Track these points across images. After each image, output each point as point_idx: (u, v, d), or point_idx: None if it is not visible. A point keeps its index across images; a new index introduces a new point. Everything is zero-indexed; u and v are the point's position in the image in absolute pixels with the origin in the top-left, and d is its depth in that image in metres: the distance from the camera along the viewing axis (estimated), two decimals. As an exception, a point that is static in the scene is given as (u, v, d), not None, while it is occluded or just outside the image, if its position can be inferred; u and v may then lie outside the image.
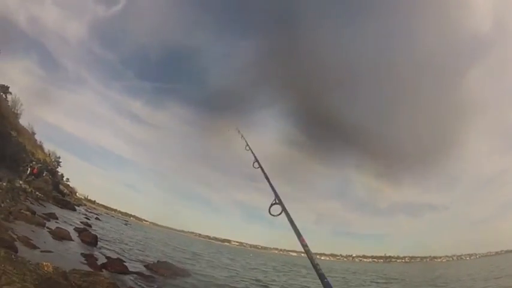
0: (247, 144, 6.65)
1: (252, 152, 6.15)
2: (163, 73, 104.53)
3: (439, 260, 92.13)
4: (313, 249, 3.37)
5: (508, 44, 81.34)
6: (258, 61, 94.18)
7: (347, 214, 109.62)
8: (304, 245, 3.48)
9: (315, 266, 2.89)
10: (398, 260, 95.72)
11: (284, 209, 3.94)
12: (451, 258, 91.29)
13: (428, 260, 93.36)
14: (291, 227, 3.72)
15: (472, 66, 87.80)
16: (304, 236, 3.51)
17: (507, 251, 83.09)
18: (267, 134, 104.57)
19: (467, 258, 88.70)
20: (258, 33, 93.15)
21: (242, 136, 7.33)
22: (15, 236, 11.77)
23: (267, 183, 4.69)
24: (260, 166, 5.67)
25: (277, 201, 4.07)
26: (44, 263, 9.80)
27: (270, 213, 4.00)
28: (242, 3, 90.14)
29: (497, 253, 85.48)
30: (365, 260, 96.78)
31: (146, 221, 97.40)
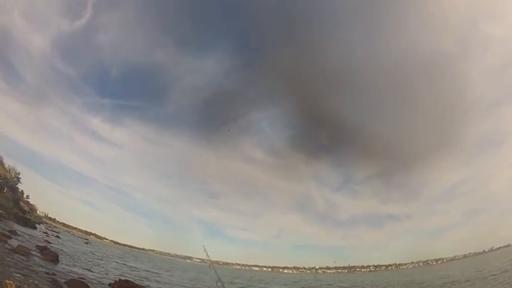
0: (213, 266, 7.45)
1: (216, 273, 6.88)
2: (124, 90, 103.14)
3: (404, 267, 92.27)
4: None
5: (469, 60, 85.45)
6: (220, 79, 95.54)
7: (307, 227, 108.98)
8: None
9: None
10: (363, 270, 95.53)
11: None
12: (417, 265, 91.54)
13: (393, 267, 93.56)
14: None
15: (442, 78, 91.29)
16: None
17: (475, 254, 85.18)
18: (230, 151, 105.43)
19: (434, 263, 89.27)
20: (223, 51, 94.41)
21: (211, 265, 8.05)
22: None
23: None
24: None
25: None
26: (7, 281, 10.23)
27: None
28: (205, 21, 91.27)
29: (465, 256, 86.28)
30: (329, 271, 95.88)
31: (107, 239, 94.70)
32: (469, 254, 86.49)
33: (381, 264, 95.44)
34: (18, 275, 12.10)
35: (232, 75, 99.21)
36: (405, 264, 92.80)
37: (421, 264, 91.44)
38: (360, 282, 45.76)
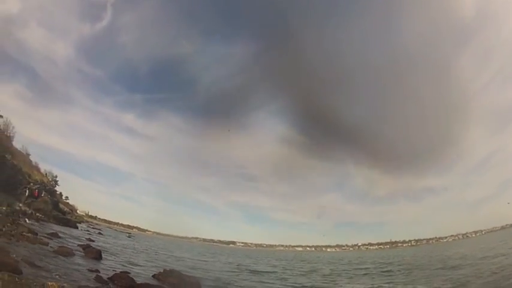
0: None
1: None
2: (154, 84, 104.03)
3: (445, 240, 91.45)
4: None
5: (490, 29, 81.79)
6: (249, 65, 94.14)
7: (348, 205, 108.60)
8: None
9: None
10: (404, 245, 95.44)
11: None
12: (456, 238, 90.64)
13: (434, 241, 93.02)
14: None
15: (460, 54, 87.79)
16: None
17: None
18: (264, 135, 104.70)
19: (473, 235, 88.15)
20: (248, 37, 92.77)
21: None
22: (18, 258, 11.64)
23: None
24: None
25: None
26: (49, 283, 9.68)
27: None
28: (227, 10, 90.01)
29: (502, 227, 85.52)
30: (371, 247, 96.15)
31: (149, 231, 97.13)
32: (507, 225, 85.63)
33: (422, 238, 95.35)
34: (61, 276, 11.68)
35: (259, 59, 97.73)
36: (445, 238, 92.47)
37: (460, 237, 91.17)
38: (400, 257, 44.45)
